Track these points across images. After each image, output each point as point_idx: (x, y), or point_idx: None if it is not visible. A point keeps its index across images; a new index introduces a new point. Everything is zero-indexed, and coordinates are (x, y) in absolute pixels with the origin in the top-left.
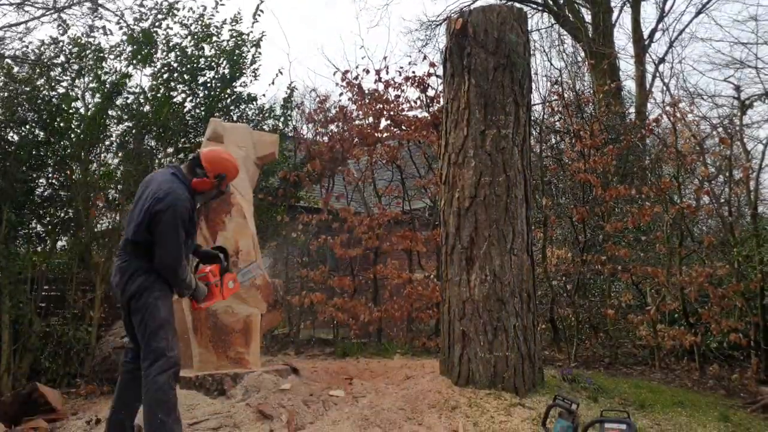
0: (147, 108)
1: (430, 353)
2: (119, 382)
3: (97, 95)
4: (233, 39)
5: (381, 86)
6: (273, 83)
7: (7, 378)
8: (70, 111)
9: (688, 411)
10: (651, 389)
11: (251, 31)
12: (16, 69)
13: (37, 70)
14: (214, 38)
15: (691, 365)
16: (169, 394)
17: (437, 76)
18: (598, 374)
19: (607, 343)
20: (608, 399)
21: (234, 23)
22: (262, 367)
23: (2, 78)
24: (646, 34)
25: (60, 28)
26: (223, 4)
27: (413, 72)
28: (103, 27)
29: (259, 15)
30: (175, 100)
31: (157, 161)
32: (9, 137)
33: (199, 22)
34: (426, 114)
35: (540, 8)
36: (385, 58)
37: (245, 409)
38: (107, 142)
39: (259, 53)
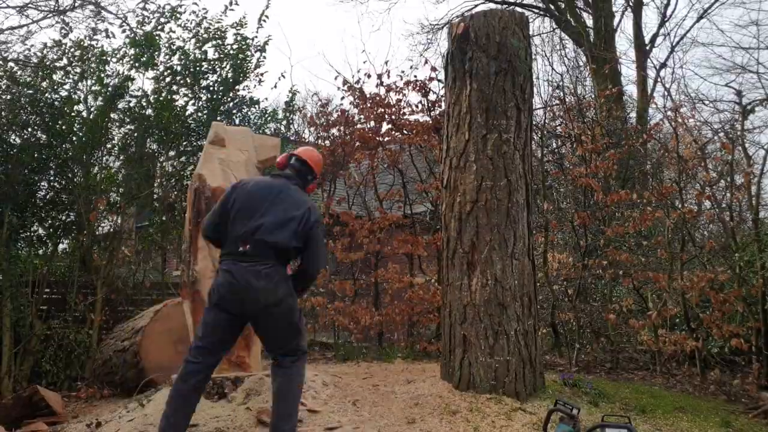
0: (149, 111)
1: (431, 357)
2: (180, 395)
3: (100, 98)
4: (237, 43)
5: (382, 90)
6: (275, 87)
7: (8, 381)
8: (73, 114)
9: (690, 416)
10: (652, 394)
11: (256, 36)
12: (18, 72)
13: (40, 73)
14: (218, 42)
15: (692, 370)
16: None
17: (438, 81)
18: (599, 379)
19: (608, 347)
20: (609, 404)
21: (239, 27)
22: (263, 370)
23: (5, 81)
24: (647, 39)
25: (62, 31)
26: (232, 9)
27: (414, 76)
28: (106, 30)
29: (265, 20)
30: (177, 103)
31: (158, 164)
32: (11, 140)
33: (202, 26)
34: (427, 118)
35: (542, 13)
36: (386, 62)
37: (246, 413)
38: (109, 145)
39: (264, 57)
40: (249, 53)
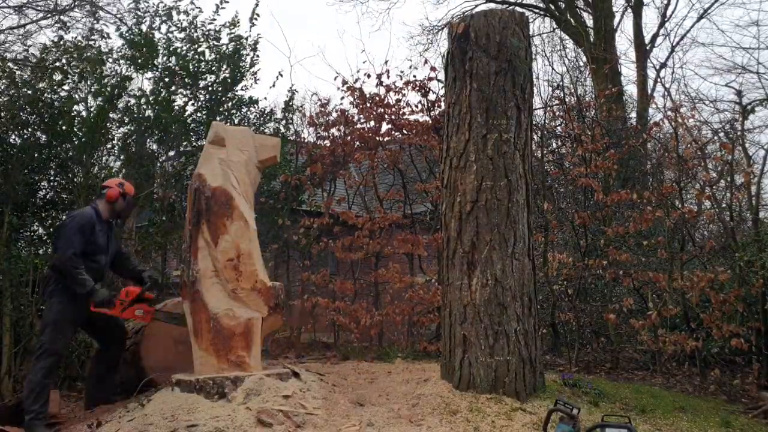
0: (149, 111)
1: (431, 357)
2: None
3: (99, 98)
4: (233, 43)
5: (382, 90)
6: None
7: (8, 380)
8: (72, 114)
9: (690, 416)
10: (652, 394)
11: (249, 35)
12: (17, 72)
13: (39, 73)
14: (213, 42)
15: (692, 370)
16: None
17: (438, 80)
18: (599, 379)
19: (608, 347)
20: (609, 404)
21: (232, 26)
22: (264, 370)
23: (4, 81)
24: (647, 38)
25: (60, 31)
26: (223, 8)
27: (414, 76)
28: (101, 30)
29: (256, 18)
30: (176, 103)
31: (158, 164)
32: (11, 140)
33: (195, 26)
34: (427, 118)
35: (542, 13)
36: (386, 62)
37: (246, 413)
38: (109, 145)
39: (257, 56)
40: (244, 52)
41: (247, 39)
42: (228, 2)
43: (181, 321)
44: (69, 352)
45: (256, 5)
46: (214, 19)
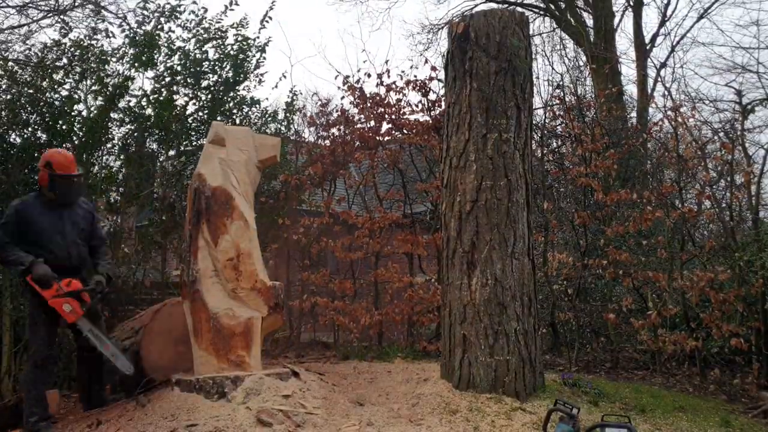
0: (149, 111)
1: (431, 357)
2: None
3: (99, 98)
4: (238, 43)
5: (382, 90)
6: (276, 87)
7: (8, 380)
8: (73, 113)
9: (689, 416)
10: (652, 394)
11: (258, 36)
12: (18, 71)
13: (40, 73)
14: (218, 42)
15: (692, 370)
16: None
17: (438, 80)
18: (599, 379)
19: (608, 347)
20: (609, 404)
21: (240, 27)
22: (263, 370)
23: (5, 80)
24: (647, 38)
25: (62, 30)
26: (232, 9)
27: (414, 76)
28: (106, 29)
29: (268, 21)
30: (177, 103)
31: (158, 164)
32: (11, 140)
33: (202, 26)
34: (427, 118)
35: (542, 12)
36: (386, 61)
37: (246, 413)
38: (109, 145)
39: (264, 58)
40: (250, 53)
41: (255, 40)
42: (238, 4)
43: (103, 346)
44: (70, 352)
45: (270, 8)
46: (221, 20)
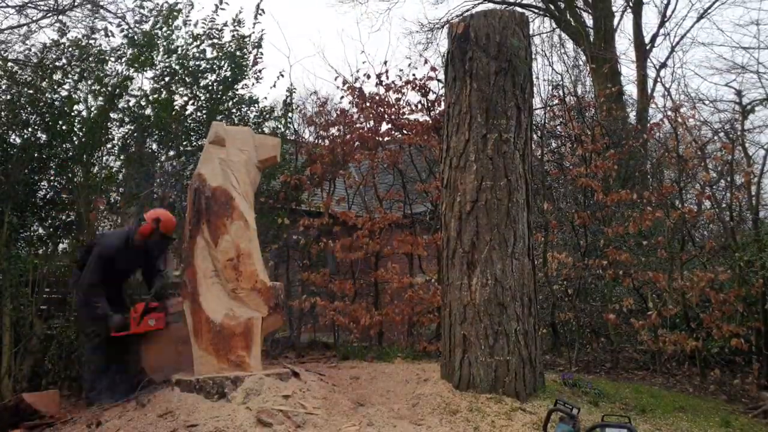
0: (149, 111)
1: (431, 357)
2: None
3: (99, 98)
4: (235, 41)
5: (382, 90)
6: (275, 86)
7: (8, 380)
8: (73, 114)
9: (690, 416)
10: (652, 394)
11: (252, 33)
12: (18, 71)
13: (40, 73)
14: (215, 40)
15: (692, 370)
16: None
17: (438, 80)
18: (599, 379)
19: (608, 347)
20: (609, 404)
21: (235, 24)
22: (263, 370)
23: (5, 80)
24: (647, 38)
25: (61, 30)
26: (223, 9)
27: (414, 75)
28: (105, 29)
29: (260, 15)
30: (176, 103)
31: (158, 164)
32: (11, 140)
33: (199, 25)
34: (427, 118)
35: (541, 13)
36: (386, 62)
37: (246, 413)
38: (109, 145)
39: (261, 53)
40: (246, 51)
41: (250, 37)
42: (228, 3)
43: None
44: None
45: (260, 1)
46: (214, 18)
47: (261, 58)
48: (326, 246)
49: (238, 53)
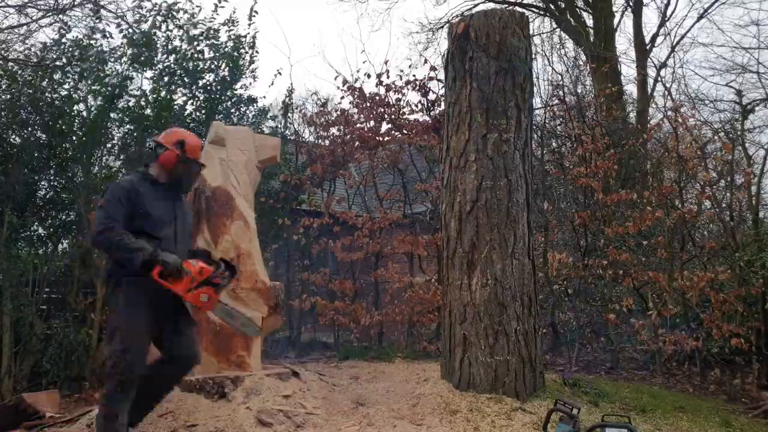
0: (148, 111)
1: (431, 357)
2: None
3: (99, 98)
4: (231, 41)
5: (382, 90)
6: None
7: (8, 380)
8: (73, 113)
9: (690, 416)
10: (652, 394)
11: (248, 33)
12: (18, 71)
13: (40, 73)
14: (213, 41)
15: (692, 370)
16: None
17: (438, 80)
18: (599, 379)
19: (608, 347)
20: (609, 404)
21: (231, 24)
22: (263, 370)
23: (5, 80)
24: (647, 38)
25: (61, 30)
26: (222, 6)
27: (414, 75)
28: (103, 30)
29: (254, 16)
30: (176, 102)
31: None
32: (11, 140)
33: (197, 25)
34: (427, 118)
35: (542, 12)
36: (386, 62)
37: (246, 413)
38: (109, 145)
39: (257, 53)
40: (243, 50)
41: (245, 37)
42: (227, 1)
43: (234, 319)
44: (70, 352)
45: (255, 2)
46: (213, 18)
47: (257, 56)
48: (326, 246)
49: (235, 53)
